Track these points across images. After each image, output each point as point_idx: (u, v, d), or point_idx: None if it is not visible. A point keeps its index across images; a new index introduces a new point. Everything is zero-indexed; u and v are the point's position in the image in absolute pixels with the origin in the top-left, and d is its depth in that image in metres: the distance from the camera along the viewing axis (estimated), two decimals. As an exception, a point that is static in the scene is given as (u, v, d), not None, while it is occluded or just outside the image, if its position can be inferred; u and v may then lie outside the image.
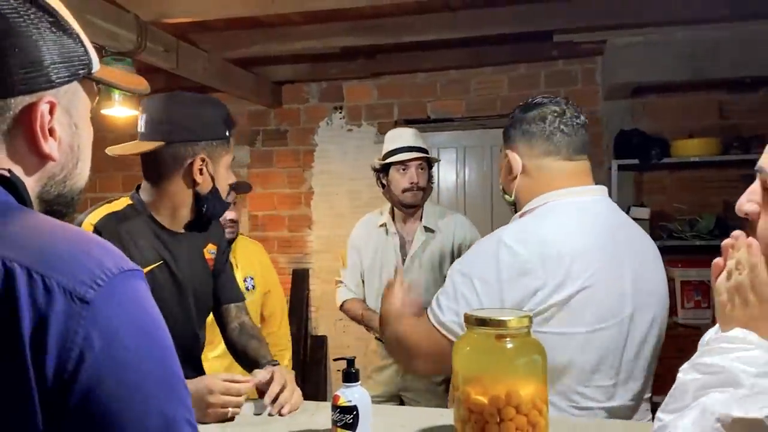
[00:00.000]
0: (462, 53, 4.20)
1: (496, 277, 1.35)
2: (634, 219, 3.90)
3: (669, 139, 3.96)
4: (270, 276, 3.06)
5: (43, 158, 0.78)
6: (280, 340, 3.02)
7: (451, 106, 4.54)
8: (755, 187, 0.99)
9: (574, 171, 1.48)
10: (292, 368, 4.49)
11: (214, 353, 2.57)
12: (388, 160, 2.72)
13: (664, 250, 3.90)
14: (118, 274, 0.67)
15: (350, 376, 1.27)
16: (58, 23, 0.78)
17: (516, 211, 1.54)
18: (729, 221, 3.93)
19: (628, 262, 1.42)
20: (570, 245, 1.36)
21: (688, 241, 3.88)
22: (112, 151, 1.62)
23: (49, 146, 0.77)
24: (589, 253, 1.37)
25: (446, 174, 4.66)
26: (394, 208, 2.84)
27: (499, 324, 1.09)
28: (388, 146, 2.78)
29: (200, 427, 1.43)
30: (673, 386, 0.94)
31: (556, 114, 1.48)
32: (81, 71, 0.81)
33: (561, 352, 1.35)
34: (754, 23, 3.47)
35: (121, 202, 1.63)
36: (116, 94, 3.20)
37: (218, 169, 1.65)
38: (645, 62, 3.73)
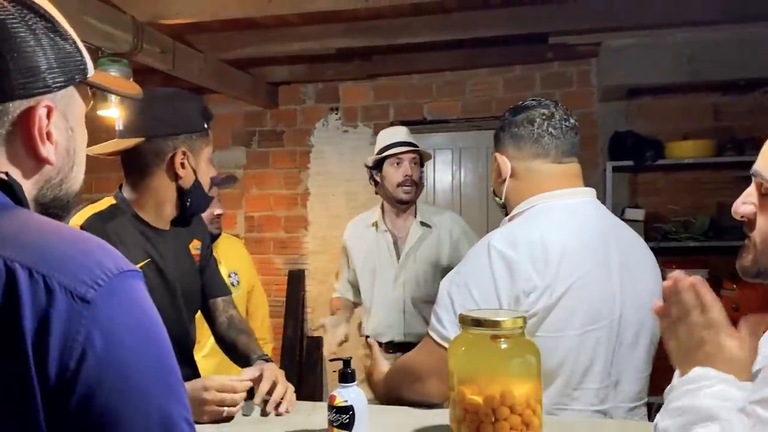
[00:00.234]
0: (457, 55, 4.22)
1: (492, 283, 1.36)
2: (629, 220, 3.96)
3: (663, 141, 3.98)
4: (252, 272, 3.11)
5: (41, 162, 0.79)
6: (264, 335, 3.06)
7: (447, 108, 4.55)
8: (751, 189, 1.01)
9: (563, 173, 1.49)
10: (289, 369, 4.51)
11: (202, 353, 2.57)
12: (384, 154, 2.74)
13: (658, 252, 3.92)
14: (118, 274, 0.68)
15: (346, 376, 1.28)
16: (54, 29, 0.79)
17: (507, 214, 1.54)
18: (723, 223, 3.95)
19: (616, 264, 1.43)
20: (559, 247, 1.37)
21: (683, 242, 3.90)
22: (92, 151, 1.62)
23: (46, 150, 0.79)
24: (578, 254, 1.38)
25: (442, 175, 4.67)
26: (385, 207, 2.86)
27: (494, 325, 1.10)
28: (381, 143, 2.80)
29: (196, 427, 1.43)
30: None
31: (544, 117, 1.49)
32: (77, 76, 0.82)
33: (552, 355, 1.36)
34: (748, 26, 3.50)
35: (105, 202, 1.64)
36: (113, 96, 3.20)
37: (199, 162, 1.66)
38: (640, 64, 3.75)
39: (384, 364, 1.70)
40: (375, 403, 1.54)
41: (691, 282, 1.00)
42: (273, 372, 1.59)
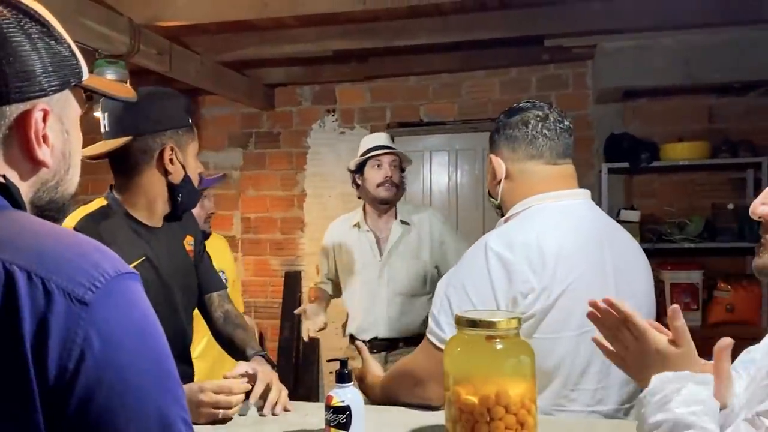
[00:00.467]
0: (454, 57, 4.23)
1: (489, 284, 1.36)
2: (625, 222, 3.97)
3: (659, 143, 4.00)
4: (234, 271, 3.22)
5: (37, 164, 0.80)
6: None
7: (443, 110, 4.56)
8: None
9: (557, 175, 1.50)
10: (285, 370, 4.51)
11: (194, 355, 2.58)
12: (365, 157, 2.86)
13: (653, 253, 3.98)
14: (115, 276, 0.69)
15: (343, 376, 1.29)
16: (50, 33, 0.80)
17: (502, 215, 1.55)
18: (718, 224, 3.97)
19: (611, 265, 1.44)
20: (555, 249, 1.37)
21: (678, 243, 3.92)
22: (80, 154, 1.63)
23: (42, 153, 0.79)
24: (574, 256, 1.39)
25: (438, 177, 4.68)
26: (367, 209, 2.96)
27: (489, 325, 1.11)
28: (363, 147, 2.93)
29: (194, 428, 1.44)
30: None
31: (539, 118, 1.50)
32: (72, 80, 0.83)
33: (550, 357, 1.37)
34: (743, 28, 3.52)
35: (96, 203, 1.65)
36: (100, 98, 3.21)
37: (187, 157, 1.68)
38: (635, 66, 3.77)
39: (375, 366, 1.71)
40: (369, 403, 1.55)
41: (606, 302, 1.06)
42: (267, 375, 1.60)
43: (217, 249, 2.97)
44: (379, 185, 2.82)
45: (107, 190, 1.70)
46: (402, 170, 2.91)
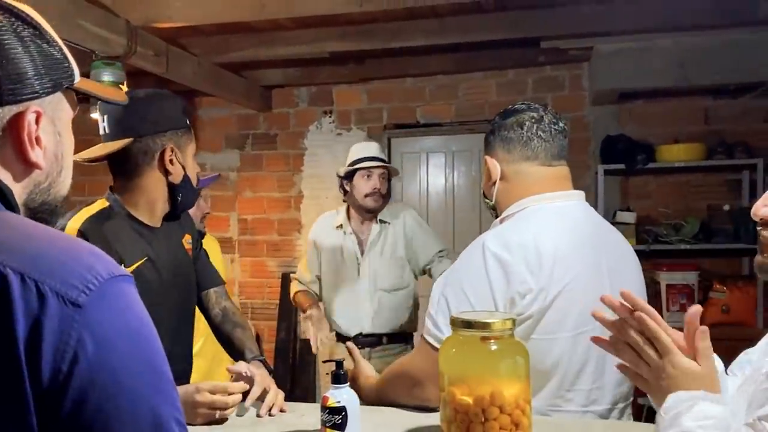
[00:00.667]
0: (450, 59, 4.24)
1: (487, 284, 1.37)
2: (620, 223, 3.98)
3: (655, 145, 4.02)
4: (225, 272, 3.18)
5: (30, 166, 0.80)
6: None
7: (440, 111, 4.57)
8: None
9: (552, 176, 1.51)
10: (282, 371, 4.52)
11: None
12: (356, 166, 2.92)
13: (649, 254, 3.99)
14: (109, 279, 0.69)
15: (339, 377, 1.30)
16: (42, 36, 0.81)
17: (496, 216, 1.56)
18: (713, 225, 3.99)
19: (606, 266, 1.45)
20: (551, 250, 1.38)
21: (674, 245, 3.93)
22: (79, 157, 1.64)
23: (35, 154, 0.80)
24: (570, 257, 1.40)
25: (435, 178, 4.70)
26: (351, 213, 3.05)
27: (484, 326, 1.11)
28: (354, 156, 2.99)
29: (189, 428, 1.45)
30: None
31: (533, 120, 1.51)
32: (64, 82, 0.83)
33: (547, 357, 1.38)
34: (739, 30, 3.54)
35: (98, 205, 1.66)
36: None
37: (186, 157, 1.70)
38: (631, 69, 3.79)
39: (367, 367, 1.71)
40: (363, 403, 1.55)
41: (637, 318, 1.04)
42: (265, 378, 1.62)
43: (209, 250, 2.98)
44: (367, 195, 2.90)
45: (107, 191, 1.71)
46: (389, 180, 3.01)
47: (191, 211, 1.92)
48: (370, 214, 2.98)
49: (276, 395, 1.58)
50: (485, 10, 3.40)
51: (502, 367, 1.14)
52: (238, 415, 1.54)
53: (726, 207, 4.00)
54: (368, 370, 1.70)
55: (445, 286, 1.43)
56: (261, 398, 1.57)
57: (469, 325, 1.13)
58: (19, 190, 0.80)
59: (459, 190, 4.65)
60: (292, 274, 3.30)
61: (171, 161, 1.65)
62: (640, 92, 4.07)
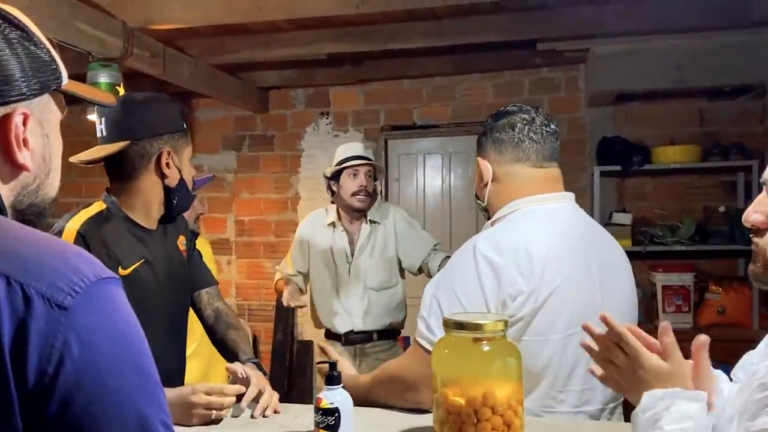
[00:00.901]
0: (447, 61, 4.25)
1: (479, 287, 1.38)
2: (617, 225, 3.98)
3: (650, 146, 4.03)
4: (216, 275, 3.19)
5: (17, 168, 0.80)
6: None
7: (437, 113, 4.58)
8: (762, 198, 1.03)
9: (543, 178, 1.51)
10: (278, 372, 4.52)
11: (187, 353, 2.58)
12: (342, 166, 2.96)
13: (645, 256, 3.99)
14: (96, 281, 0.69)
15: (332, 379, 1.30)
16: (29, 38, 0.81)
17: (489, 217, 1.57)
18: (709, 227, 4.00)
19: (596, 268, 1.46)
20: (542, 252, 1.39)
21: (669, 246, 3.94)
22: (77, 158, 1.65)
23: (23, 156, 0.79)
24: (560, 259, 1.40)
25: (432, 179, 4.70)
26: (341, 213, 3.08)
27: (476, 327, 1.12)
28: (339, 156, 3.02)
29: (185, 429, 1.45)
30: None
31: (525, 122, 1.52)
32: (52, 84, 0.83)
33: (538, 358, 1.39)
34: (734, 33, 3.55)
35: (96, 207, 1.67)
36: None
37: (182, 160, 1.72)
38: (627, 70, 3.80)
39: (346, 365, 1.71)
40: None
41: (601, 318, 1.08)
42: (260, 380, 1.62)
43: (205, 251, 2.99)
44: (354, 194, 2.94)
45: (103, 193, 1.72)
46: (375, 179, 3.04)
47: (185, 212, 1.93)
48: (358, 214, 3.02)
49: (271, 396, 1.59)
50: (482, 12, 3.41)
51: (494, 368, 1.15)
52: (233, 416, 1.55)
53: (722, 208, 4.01)
54: (347, 369, 1.69)
55: (437, 288, 1.44)
56: (256, 399, 1.58)
57: (461, 326, 1.14)
58: (6, 192, 0.80)
59: (456, 192, 4.65)
60: (276, 267, 3.38)
61: (167, 165, 1.67)
62: (636, 94, 4.08)
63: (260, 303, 4.92)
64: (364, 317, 3.01)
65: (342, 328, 3.02)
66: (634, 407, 1.05)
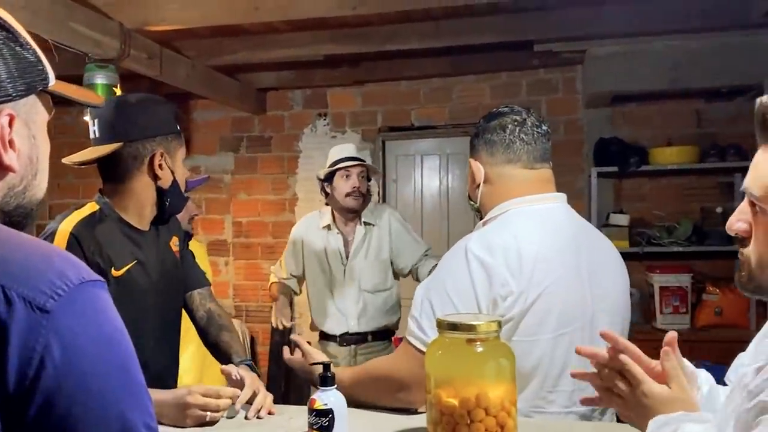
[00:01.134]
0: (444, 62, 4.25)
1: (471, 287, 1.38)
2: (614, 225, 3.98)
3: (648, 147, 4.04)
4: (210, 277, 3.19)
5: (4, 169, 0.80)
6: None
7: (434, 114, 4.58)
8: (744, 206, 1.02)
9: (535, 179, 1.52)
10: (276, 374, 4.51)
11: (184, 354, 2.58)
12: (334, 167, 2.99)
13: (642, 256, 3.99)
14: (79, 284, 0.69)
15: (326, 380, 1.30)
16: (15, 39, 0.80)
17: (481, 218, 1.57)
18: (706, 228, 4.00)
19: (586, 268, 1.46)
20: (533, 253, 1.39)
21: (667, 247, 3.94)
22: (69, 160, 1.65)
23: (9, 157, 0.79)
24: (550, 260, 1.41)
25: (429, 180, 4.71)
26: (335, 215, 3.10)
27: (470, 328, 1.12)
28: (332, 158, 3.05)
29: (179, 431, 1.45)
30: None
31: (516, 123, 1.52)
32: (38, 85, 0.83)
33: (527, 358, 1.39)
34: (731, 34, 3.55)
35: (89, 208, 1.67)
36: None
37: (175, 162, 1.71)
38: (624, 71, 3.80)
39: (319, 355, 1.69)
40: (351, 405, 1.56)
41: (608, 337, 1.09)
42: (254, 382, 1.62)
43: (199, 253, 2.98)
44: (347, 195, 2.96)
45: (96, 194, 1.72)
46: (369, 180, 3.06)
47: (179, 214, 1.93)
48: (352, 215, 3.04)
49: (265, 398, 1.59)
50: (479, 13, 3.41)
51: (487, 369, 1.15)
52: (228, 417, 1.55)
53: (719, 209, 4.01)
54: (320, 359, 1.68)
55: (429, 288, 1.44)
56: (250, 401, 1.58)
57: (455, 327, 1.14)
58: None
59: (453, 193, 4.66)
60: (271, 267, 3.41)
61: (160, 166, 1.66)
62: (633, 95, 4.09)
63: (258, 304, 4.91)
64: (359, 319, 3.03)
65: (337, 329, 3.04)
66: None
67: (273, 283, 3.26)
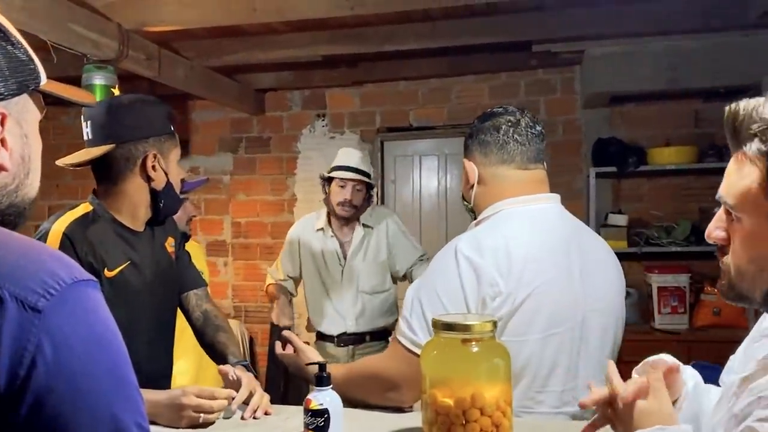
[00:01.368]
0: (443, 62, 4.25)
1: (460, 287, 1.38)
2: (612, 226, 3.98)
3: (646, 147, 4.04)
4: (207, 277, 3.20)
5: None
6: None
7: (433, 114, 4.58)
8: (721, 214, 1.03)
9: (528, 179, 1.52)
10: (275, 374, 4.50)
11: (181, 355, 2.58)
12: (331, 174, 3.01)
13: (641, 257, 3.99)
14: (71, 284, 0.69)
15: (322, 380, 1.30)
16: (6, 38, 0.80)
17: (475, 218, 1.57)
18: (705, 228, 3.98)
19: (578, 269, 1.46)
20: (522, 254, 1.40)
21: (665, 247, 3.95)
22: (63, 162, 1.65)
23: (1, 156, 0.79)
24: (541, 261, 1.41)
25: (428, 181, 4.71)
26: (331, 217, 3.12)
27: (465, 329, 1.12)
28: (336, 161, 3.06)
29: (175, 431, 1.45)
30: None
31: (510, 123, 1.52)
32: (30, 84, 0.83)
33: (516, 358, 1.38)
34: (728, 34, 3.56)
35: (82, 208, 1.67)
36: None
37: (169, 164, 1.71)
38: (622, 72, 3.80)
39: (312, 352, 1.70)
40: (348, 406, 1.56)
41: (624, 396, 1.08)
42: (251, 382, 1.63)
43: (197, 254, 2.99)
44: (338, 204, 2.99)
45: (90, 195, 1.72)
46: (368, 189, 3.06)
47: (176, 215, 1.93)
48: (344, 221, 3.07)
49: (261, 398, 1.59)
50: (477, 13, 3.41)
51: (482, 369, 1.15)
52: (224, 418, 1.55)
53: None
54: (314, 357, 1.69)
55: (419, 289, 1.44)
56: (247, 401, 1.58)
57: (450, 327, 1.14)
58: None
59: (452, 193, 4.66)
60: (268, 269, 3.43)
61: (153, 167, 1.66)
62: (631, 95, 4.09)
63: (257, 305, 4.91)
64: (357, 320, 3.05)
65: (334, 330, 3.06)
66: None
67: (270, 284, 3.28)
